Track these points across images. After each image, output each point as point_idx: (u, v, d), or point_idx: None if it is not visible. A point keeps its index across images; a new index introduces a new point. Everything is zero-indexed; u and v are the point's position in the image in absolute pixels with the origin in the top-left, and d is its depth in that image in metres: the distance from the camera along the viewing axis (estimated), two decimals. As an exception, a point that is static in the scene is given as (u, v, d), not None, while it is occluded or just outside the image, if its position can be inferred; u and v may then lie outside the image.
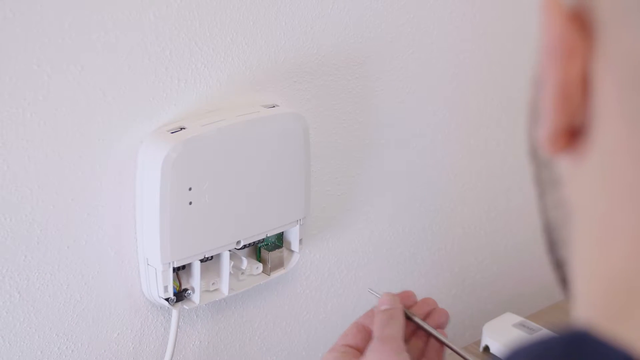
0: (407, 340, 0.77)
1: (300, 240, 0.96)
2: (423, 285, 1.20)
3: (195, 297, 0.89)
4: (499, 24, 1.13)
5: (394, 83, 1.04)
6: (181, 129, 0.84)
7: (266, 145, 0.89)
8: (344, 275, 1.09)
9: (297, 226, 0.95)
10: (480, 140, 1.18)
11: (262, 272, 0.95)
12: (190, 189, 0.84)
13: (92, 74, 0.79)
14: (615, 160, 0.35)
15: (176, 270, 0.87)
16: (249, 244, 0.92)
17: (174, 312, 0.90)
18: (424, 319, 0.80)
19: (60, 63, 0.77)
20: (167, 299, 0.87)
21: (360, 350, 0.76)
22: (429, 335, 0.79)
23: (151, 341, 0.93)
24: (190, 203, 0.84)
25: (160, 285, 0.86)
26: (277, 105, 0.91)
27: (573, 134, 0.36)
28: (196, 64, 0.86)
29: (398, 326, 0.75)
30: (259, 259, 0.95)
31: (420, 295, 1.20)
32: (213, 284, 0.91)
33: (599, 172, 0.36)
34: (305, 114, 0.94)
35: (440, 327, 0.80)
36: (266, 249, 0.95)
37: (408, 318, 0.78)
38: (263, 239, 0.93)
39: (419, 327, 0.79)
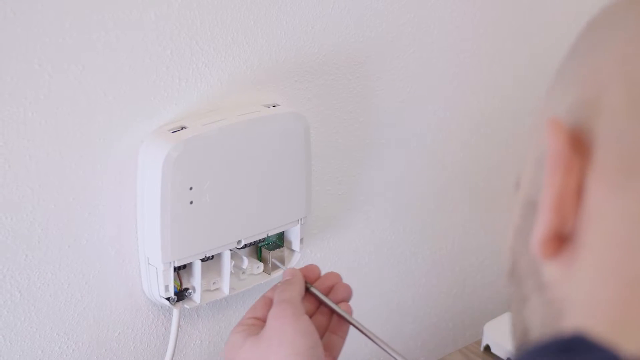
0: (310, 315, 0.80)
1: (301, 240, 0.96)
2: (424, 284, 1.20)
3: (196, 296, 0.89)
4: (500, 23, 1.13)
5: (395, 82, 1.04)
6: (182, 128, 0.84)
7: (267, 144, 0.89)
8: (345, 275, 1.09)
9: (298, 225, 0.95)
10: (480, 140, 1.18)
11: (263, 271, 0.95)
12: (191, 188, 0.84)
13: (93, 74, 0.79)
14: (606, 254, 0.41)
15: (177, 269, 0.87)
16: (250, 244, 0.92)
17: (175, 311, 0.90)
18: (327, 293, 0.83)
19: (61, 62, 0.77)
20: (168, 299, 0.87)
21: (266, 319, 0.78)
22: (333, 311, 0.82)
23: (152, 340, 0.93)
24: (191, 202, 0.84)
25: (161, 284, 0.86)
26: (278, 105, 0.91)
27: (562, 241, 0.42)
28: (197, 63, 0.86)
29: (295, 291, 0.79)
30: (260, 258, 0.95)
31: (421, 294, 1.20)
32: (214, 283, 0.91)
33: (591, 266, 0.41)
34: (306, 114, 0.94)
35: (343, 301, 0.83)
36: (267, 249, 0.95)
37: (309, 291, 0.81)
38: (264, 238, 0.93)
39: (322, 303, 0.82)
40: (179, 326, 0.91)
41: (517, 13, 1.15)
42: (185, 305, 0.89)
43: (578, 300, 0.42)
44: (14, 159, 0.78)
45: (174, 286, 0.87)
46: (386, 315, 1.17)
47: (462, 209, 1.20)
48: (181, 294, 0.88)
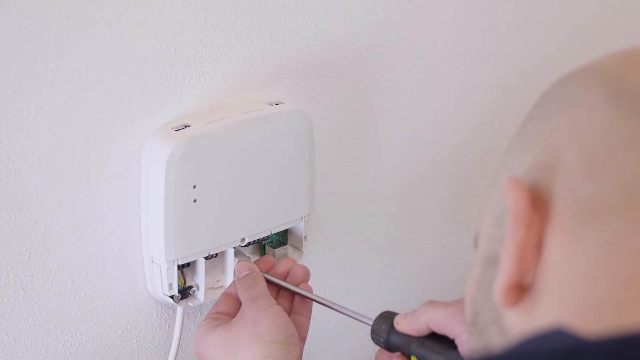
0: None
1: (305, 237, 0.96)
2: (428, 282, 1.20)
3: (200, 294, 0.89)
4: (504, 22, 1.13)
5: (399, 81, 1.04)
6: (186, 126, 0.84)
7: (271, 142, 0.89)
8: (349, 272, 1.09)
9: (302, 223, 0.95)
10: (484, 138, 1.17)
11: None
12: (194, 186, 0.84)
13: (96, 71, 0.79)
14: (564, 297, 0.44)
15: (181, 267, 0.87)
16: (254, 241, 0.92)
17: (179, 309, 0.90)
18: (284, 278, 0.88)
19: (64, 60, 0.77)
20: (171, 296, 0.87)
21: (231, 315, 0.84)
22: (293, 292, 0.87)
23: (156, 338, 0.93)
24: (195, 201, 0.84)
25: (165, 282, 0.86)
26: (282, 103, 0.91)
27: (523, 290, 0.46)
28: (200, 61, 0.86)
29: (261, 285, 0.84)
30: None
31: (425, 292, 1.20)
32: (218, 281, 0.91)
33: (550, 310, 0.44)
34: (309, 112, 0.94)
35: (302, 282, 0.88)
36: (270, 246, 0.95)
37: (268, 281, 0.86)
38: (267, 236, 0.93)
39: (281, 288, 0.87)
40: (182, 324, 0.91)
41: (521, 12, 1.15)
42: (189, 303, 0.89)
43: None
44: (18, 156, 0.78)
45: (178, 284, 0.87)
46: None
47: (465, 206, 1.19)
48: (185, 292, 0.88)
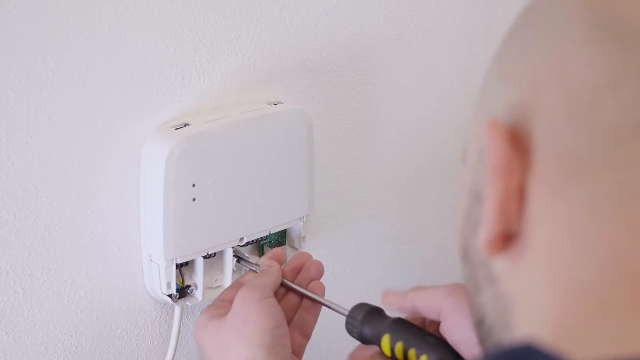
0: (281, 296, 0.83)
1: (303, 238, 0.96)
2: (426, 281, 1.20)
3: (198, 293, 0.89)
4: (505, 21, 1.13)
5: (398, 80, 1.04)
6: (185, 125, 0.84)
7: (270, 142, 0.89)
8: (348, 272, 1.09)
9: (301, 223, 0.95)
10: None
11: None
12: (194, 185, 0.84)
13: (96, 71, 0.79)
14: (546, 258, 0.42)
15: (179, 266, 0.87)
16: (252, 241, 0.92)
17: (177, 308, 0.90)
18: (297, 273, 0.85)
19: (64, 60, 0.77)
20: (170, 295, 0.87)
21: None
22: (303, 296, 0.84)
23: (155, 337, 0.93)
24: (194, 199, 0.84)
25: (163, 281, 0.86)
26: (282, 103, 0.91)
27: (509, 238, 0.43)
28: (200, 61, 0.86)
29: (268, 279, 0.81)
30: (262, 256, 0.95)
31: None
32: (216, 280, 0.91)
33: (532, 268, 0.42)
34: (309, 111, 0.94)
35: (315, 279, 0.85)
36: (269, 246, 0.95)
37: (281, 284, 0.83)
38: (266, 236, 0.93)
39: (291, 290, 0.84)
40: (181, 323, 0.91)
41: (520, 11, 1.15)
42: (187, 302, 0.89)
43: (524, 299, 0.43)
44: (17, 156, 0.78)
45: (176, 283, 0.87)
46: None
47: (465, 206, 1.20)
48: (183, 291, 0.88)
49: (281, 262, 0.86)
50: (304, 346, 0.82)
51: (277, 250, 0.88)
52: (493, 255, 0.43)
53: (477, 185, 0.46)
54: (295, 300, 0.83)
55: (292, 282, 0.84)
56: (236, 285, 0.83)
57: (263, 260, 0.85)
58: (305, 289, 0.84)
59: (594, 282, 0.40)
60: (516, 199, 0.42)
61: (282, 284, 0.83)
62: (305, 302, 0.83)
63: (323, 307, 0.84)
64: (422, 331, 0.75)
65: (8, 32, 0.73)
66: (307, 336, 0.83)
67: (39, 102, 0.77)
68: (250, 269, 0.87)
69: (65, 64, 0.77)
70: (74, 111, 0.80)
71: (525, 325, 0.42)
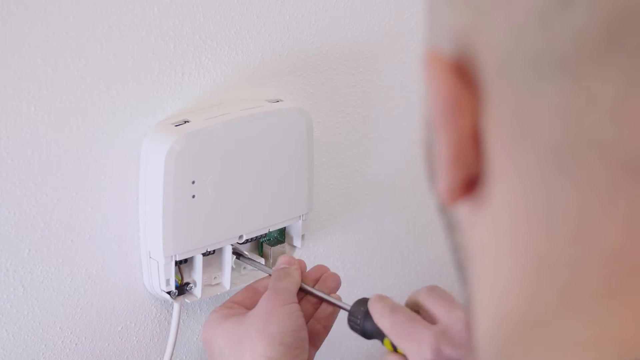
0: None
1: (303, 236, 0.96)
2: (427, 279, 1.20)
3: (197, 290, 0.89)
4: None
5: (398, 77, 1.04)
6: (185, 122, 0.84)
7: (270, 139, 0.89)
8: (348, 270, 1.09)
9: (300, 222, 0.95)
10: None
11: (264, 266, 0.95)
12: (193, 182, 0.84)
13: (95, 68, 0.79)
14: (506, 212, 0.36)
15: (178, 263, 0.87)
16: (252, 239, 0.92)
17: (176, 305, 0.90)
18: (314, 284, 0.85)
19: (64, 57, 0.77)
20: (169, 293, 0.87)
21: (246, 306, 0.81)
22: (322, 300, 0.83)
23: (155, 335, 0.93)
24: (194, 196, 0.84)
25: (162, 278, 0.86)
26: (281, 100, 0.91)
27: (469, 184, 0.37)
28: (200, 58, 0.86)
29: (292, 282, 0.81)
30: (261, 254, 0.95)
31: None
32: (215, 278, 0.91)
33: (492, 221, 0.37)
34: (308, 108, 0.94)
35: (332, 292, 0.84)
36: (268, 244, 0.95)
37: (303, 290, 0.83)
38: (265, 233, 0.93)
39: (307, 293, 0.83)
40: (179, 320, 0.91)
41: None
42: (186, 299, 0.89)
43: (482, 258, 0.38)
44: (17, 153, 0.78)
45: (175, 280, 0.87)
46: (389, 309, 1.17)
47: (465, 204, 1.20)
48: (182, 289, 0.88)
49: (302, 271, 0.86)
50: (313, 356, 0.82)
51: (287, 256, 0.87)
52: (455, 202, 0.38)
53: (428, 115, 0.39)
54: (310, 309, 0.83)
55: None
56: (249, 289, 0.84)
57: (279, 264, 0.84)
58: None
59: (559, 260, 0.35)
60: (471, 140, 0.36)
61: (303, 290, 0.83)
62: (319, 313, 0.83)
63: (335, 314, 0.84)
64: None
65: (8, 29, 0.73)
66: (316, 346, 0.83)
67: (39, 99, 0.77)
68: (268, 274, 0.86)
69: (64, 61, 0.77)
70: (73, 108, 0.80)
71: (482, 289, 0.38)
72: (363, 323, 0.78)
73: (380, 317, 0.75)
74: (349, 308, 0.80)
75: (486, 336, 0.38)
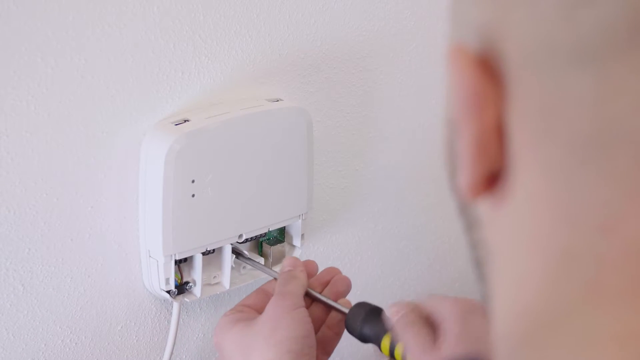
0: (306, 308, 0.80)
1: (302, 235, 0.96)
2: (426, 278, 1.20)
3: (197, 290, 0.89)
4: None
5: (398, 76, 1.04)
6: (185, 121, 0.84)
7: (269, 139, 0.89)
8: (347, 269, 1.09)
9: (300, 221, 0.95)
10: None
11: (264, 266, 0.95)
12: (193, 181, 0.84)
13: (95, 67, 0.79)
14: (529, 207, 0.36)
15: (178, 262, 0.87)
16: (251, 238, 0.92)
17: (175, 304, 0.90)
18: (324, 287, 0.84)
19: (63, 56, 0.77)
20: (168, 292, 0.87)
21: (258, 309, 0.80)
22: (324, 304, 0.82)
23: (154, 334, 0.93)
24: (193, 195, 0.84)
25: (162, 277, 0.86)
26: (281, 99, 0.91)
27: (492, 179, 0.37)
28: (200, 57, 0.86)
29: (298, 285, 0.80)
30: (261, 253, 0.95)
31: (424, 288, 1.20)
32: (214, 277, 0.91)
33: (514, 216, 0.37)
34: (308, 107, 0.94)
35: (341, 295, 0.83)
36: (268, 244, 0.95)
37: (307, 294, 0.81)
38: (265, 233, 0.93)
39: (312, 298, 0.82)
40: (179, 319, 0.91)
41: None
42: (186, 298, 0.89)
43: (502, 254, 0.38)
44: (17, 152, 0.78)
45: (175, 279, 0.87)
46: (389, 308, 1.17)
47: (465, 203, 1.19)
48: (182, 288, 0.88)
49: (312, 273, 0.85)
50: None
51: (292, 258, 0.86)
52: (476, 198, 0.38)
53: (450, 112, 0.40)
54: (321, 315, 0.82)
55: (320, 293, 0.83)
56: (260, 292, 0.83)
57: (285, 266, 0.84)
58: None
59: (583, 253, 0.34)
60: (495, 134, 0.36)
61: (307, 294, 0.82)
62: (330, 319, 0.82)
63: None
64: None
65: (7, 28, 0.73)
66: (328, 353, 0.82)
67: (39, 99, 0.77)
68: (274, 278, 0.85)
69: (64, 60, 0.77)
70: (73, 107, 0.80)
71: (502, 285, 0.38)
72: (361, 327, 0.78)
73: (395, 318, 0.74)
74: (346, 311, 0.80)
75: (505, 332, 0.37)
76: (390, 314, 0.74)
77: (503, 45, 0.35)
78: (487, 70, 0.36)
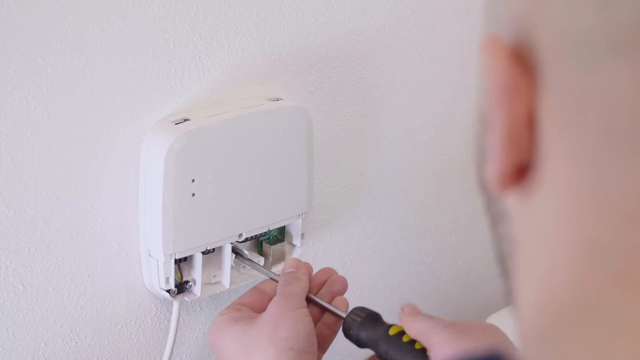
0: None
1: (302, 235, 0.96)
2: (427, 277, 1.20)
3: (197, 289, 0.89)
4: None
5: (398, 75, 1.04)
6: (185, 120, 0.84)
7: (269, 138, 0.89)
8: (348, 268, 1.09)
9: (299, 220, 0.95)
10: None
11: (264, 265, 0.95)
12: (193, 180, 0.84)
13: (95, 66, 0.79)
14: (558, 198, 0.36)
15: (178, 262, 0.87)
16: (251, 237, 0.92)
17: (175, 303, 0.90)
18: (321, 286, 0.84)
19: (64, 55, 0.77)
20: (168, 291, 0.87)
21: (255, 308, 0.81)
22: (320, 307, 0.83)
23: (155, 333, 0.93)
24: (193, 195, 0.84)
25: (162, 276, 0.86)
26: (281, 99, 0.91)
27: (521, 171, 0.37)
28: (200, 56, 0.86)
29: (299, 286, 0.81)
30: (261, 252, 0.95)
31: (424, 287, 1.20)
32: (214, 276, 0.91)
33: (543, 208, 0.37)
34: (308, 107, 0.94)
35: (338, 295, 0.84)
36: (268, 243, 0.95)
37: (306, 298, 0.82)
38: (265, 232, 0.93)
39: (309, 301, 0.82)
40: (179, 319, 0.91)
41: None
42: (186, 297, 0.89)
43: (529, 247, 0.38)
44: (17, 151, 0.78)
45: (175, 279, 0.87)
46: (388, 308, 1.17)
47: (465, 202, 1.20)
48: (181, 287, 0.88)
49: (309, 274, 0.85)
50: (320, 358, 0.82)
51: (295, 259, 0.86)
52: (505, 190, 0.38)
53: (482, 108, 0.40)
54: (317, 312, 0.83)
55: (316, 294, 0.84)
56: (255, 291, 0.83)
57: (287, 267, 0.84)
58: (329, 303, 0.83)
59: (612, 245, 0.34)
60: (525, 125, 0.36)
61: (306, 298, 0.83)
62: (327, 317, 0.83)
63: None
64: (412, 349, 0.76)
65: (7, 27, 0.73)
66: (324, 350, 0.82)
67: (39, 98, 0.77)
68: (272, 279, 0.86)
69: (64, 59, 0.77)
70: (73, 107, 0.80)
71: (528, 278, 0.38)
72: (358, 332, 0.78)
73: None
74: (344, 316, 0.80)
75: (530, 325, 0.37)
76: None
77: (537, 36, 0.36)
78: (521, 62, 0.36)
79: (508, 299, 0.40)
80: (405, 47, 1.03)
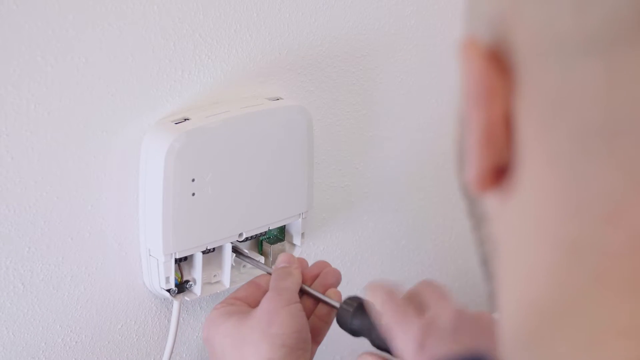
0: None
1: (302, 234, 0.96)
2: (426, 277, 1.20)
3: (197, 288, 0.89)
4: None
5: (398, 75, 1.04)
6: (185, 119, 0.84)
7: (269, 137, 0.89)
8: (348, 267, 1.09)
9: (300, 220, 0.95)
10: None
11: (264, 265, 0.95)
12: (193, 180, 0.84)
13: (95, 66, 0.79)
14: (536, 199, 0.36)
15: (178, 261, 0.87)
16: (251, 237, 0.92)
17: (175, 303, 0.90)
18: (314, 279, 0.85)
19: (64, 55, 0.77)
20: (168, 290, 0.87)
21: (249, 302, 0.81)
22: (316, 299, 0.83)
23: (155, 332, 0.93)
24: (193, 194, 0.84)
25: (162, 276, 0.86)
26: (281, 98, 0.91)
27: (499, 173, 0.37)
28: (200, 56, 0.86)
29: (292, 281, 0.81)
30: (261, 252, 0.95)
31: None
32: (214, 276, 0.91)
33: (521, 208, 0.37)
34: (308, 106, 0.94)
35: (331, 287, 0.85)
36: (268, 242, 0.95)
37: (300, 290, 0.83)
38: (265, 232, 0.93)
39: (304, 293, 0.83)
40: (179, 318, 0.91)
41: None
42: (186, 297, 0.89)
43: (508, 248, 0.38)
44: (17, 151, 0.78)
45: (175, 278, 0.87)
46: (389, 307, 1.17)
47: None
48: (182, 286, 0.88)
49: (303, 268, 0.86)
50: (314, 352, 0.82)
51: (287, 254, 0.87)
52: (482, 191, 0.38)
53: (462, 111, 0.40)
54: (311, 305, 0.83)
55: (309, 286, 0.84)
56: (251, 285, 0.84)
57: (279, 262, 0.85)
58: (323, 294, 0.84)
59: (590, 244, 0.34)
60: (502, 126, 0.36)
61: (300, 289, 0.83)
62: (320, 309, 0.83)
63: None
64: None
65: (8, 27, 0.73)
66: (317, 342, 0.83)
67: (39, 97, 0.77)
68: (267, 272, 0.86)
69: (64, 59, 0.77)
70: (73, 106, 0.80)
71: (509, 280, 0.38)
72: (351, 320, 0.79)
73: (373, 295, 0.75)
74: (337, 306, 0.80)
75: (512, 327, 0.37)
76: (370, 296, 0.75)
77: (513, 37, 0.36)
78: (497, 63, 0.36)
79: (490, 301, 0.40)
80: (405, 47, 1.03)
